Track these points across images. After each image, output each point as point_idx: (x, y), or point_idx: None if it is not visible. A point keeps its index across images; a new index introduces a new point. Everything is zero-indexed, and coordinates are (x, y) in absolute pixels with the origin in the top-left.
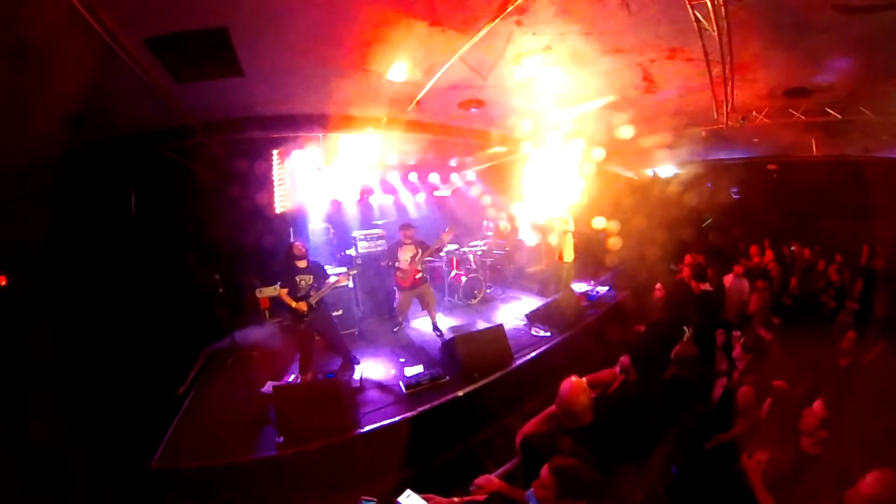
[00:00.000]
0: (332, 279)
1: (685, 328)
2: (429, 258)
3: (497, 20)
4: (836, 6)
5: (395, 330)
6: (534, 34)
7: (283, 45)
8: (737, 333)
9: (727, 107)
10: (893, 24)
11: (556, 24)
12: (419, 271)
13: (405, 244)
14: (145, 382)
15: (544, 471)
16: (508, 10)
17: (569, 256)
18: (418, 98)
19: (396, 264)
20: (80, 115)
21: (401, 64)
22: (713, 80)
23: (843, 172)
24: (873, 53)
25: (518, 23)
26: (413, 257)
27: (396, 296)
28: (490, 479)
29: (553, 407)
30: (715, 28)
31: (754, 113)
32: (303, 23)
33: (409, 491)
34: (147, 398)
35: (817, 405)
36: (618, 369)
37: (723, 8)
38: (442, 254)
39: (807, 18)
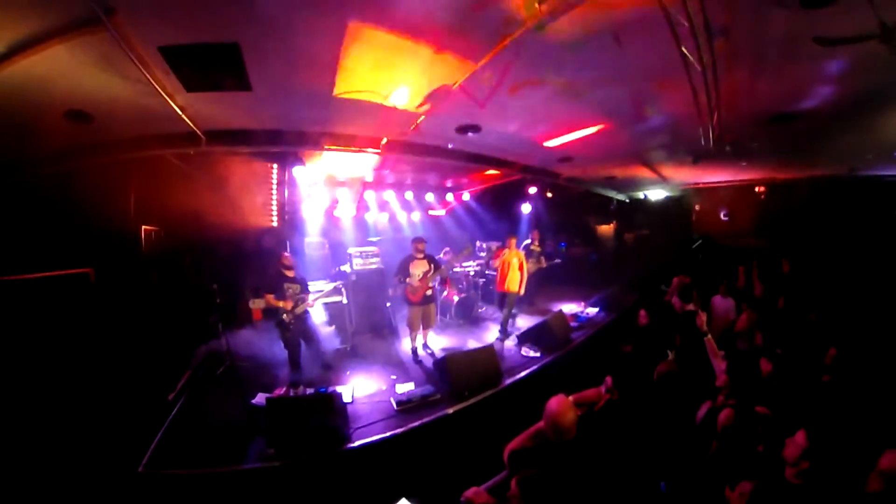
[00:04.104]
0: (315, 295)
1: (668, 352)
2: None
3: (496, 52)
4: (817, 39)
5: (400, 351)
6: (530, 65)
7: (291, 64)
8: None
9: (714, 134)
10: (873, 53)
11: (551, 57)
12: (430, 288)
13: (417, 259)
14: (136, 387)
15: (513, 483)
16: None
17: (514, 286)
18: (418, 122)
19: (408, 280)
20: (86, 111)
21: (403, 89)
22: (700, 110)
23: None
24: (856, 80)
25: (516, 54)
26: (426, 273)
27: (406, 311)
28: (479, 492)
29: (540, 423)
30: (700, 64)
31: (741, 139)
32: (311, 46)
33: (404, 500)
34: (137, 403)
35: (799, 435)
36: (603, 389)
37: (708, 44)
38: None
39: (790, 50)
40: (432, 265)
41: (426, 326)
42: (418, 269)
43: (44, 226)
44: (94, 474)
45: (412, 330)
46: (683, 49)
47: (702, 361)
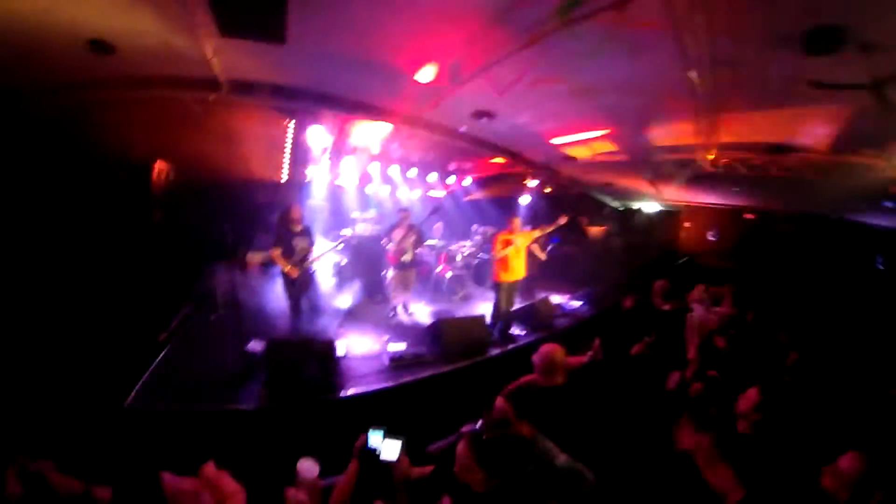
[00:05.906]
0: (321, 251)
1: (646, 338)
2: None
3: (528, 45)
4: (811, 82)
5: (391, 315)
6: (553, 62)
7: (331, 24)
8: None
9: (709, 154)
10: (867, 102)
11: (573, 61)
12: (403, 252)
13: (399, 226)
14: (126, 323)
15: (498, 400)
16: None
17: (521, 272)
18: (439, 101)
19: (389, 243)
20: (111, 42)
21: (433, 66)
22: (700, 130)
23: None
24: (850, 125)
25: (542, 51)
26: (403, 239)
27: (390, 272)
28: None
29: (532, 375)
30: (703, 88)
31: (734, 165)
32: (357, 10)
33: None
34: (128, 340)
35: (752, 391)
36: (590, 354)
37: (713, 72)
38: (432, 243)
39: (787, 89)
40: (407, 233)
41: (405, 289)
42: (398, 234)
43: (52, 151)
44: (79, 405)
45: (392, 291)
46: (689, 74)
47: (676, 347)
